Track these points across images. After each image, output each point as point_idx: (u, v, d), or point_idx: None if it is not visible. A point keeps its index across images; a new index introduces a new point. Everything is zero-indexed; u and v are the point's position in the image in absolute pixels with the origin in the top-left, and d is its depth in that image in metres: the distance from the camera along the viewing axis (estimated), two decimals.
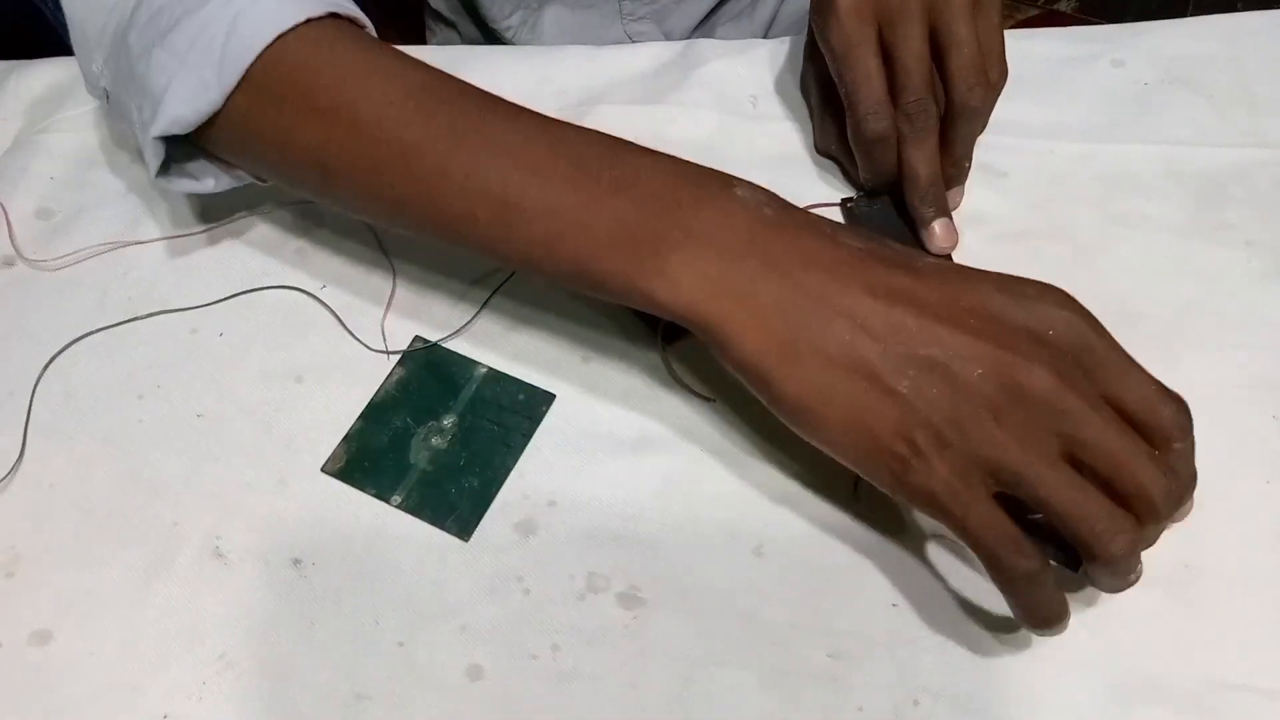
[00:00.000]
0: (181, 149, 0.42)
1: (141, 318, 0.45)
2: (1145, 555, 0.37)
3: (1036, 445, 0.32)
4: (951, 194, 0.46)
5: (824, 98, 0.48)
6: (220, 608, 0.38)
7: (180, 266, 0.47)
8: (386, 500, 0.40)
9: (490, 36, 0.68)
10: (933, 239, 0.44)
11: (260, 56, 0.39)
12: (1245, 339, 0.43)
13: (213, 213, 0.48)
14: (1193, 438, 0.33)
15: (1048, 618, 0.33)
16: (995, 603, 0.37)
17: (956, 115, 0.44)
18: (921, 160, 0.44)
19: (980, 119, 0.45)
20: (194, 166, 0.43)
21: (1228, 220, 0.45)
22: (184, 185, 0.43)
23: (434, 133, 0.37)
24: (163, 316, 0.45)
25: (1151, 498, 0.32)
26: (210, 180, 0.43)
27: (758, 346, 0.34)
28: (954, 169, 0.46)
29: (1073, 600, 0.36)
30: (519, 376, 0.43)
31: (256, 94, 0.39)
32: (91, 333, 0.45)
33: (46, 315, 0.46)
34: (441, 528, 0.39)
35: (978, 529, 0.32)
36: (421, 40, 0.72)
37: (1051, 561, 0.33)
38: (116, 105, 0.44)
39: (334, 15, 0.40)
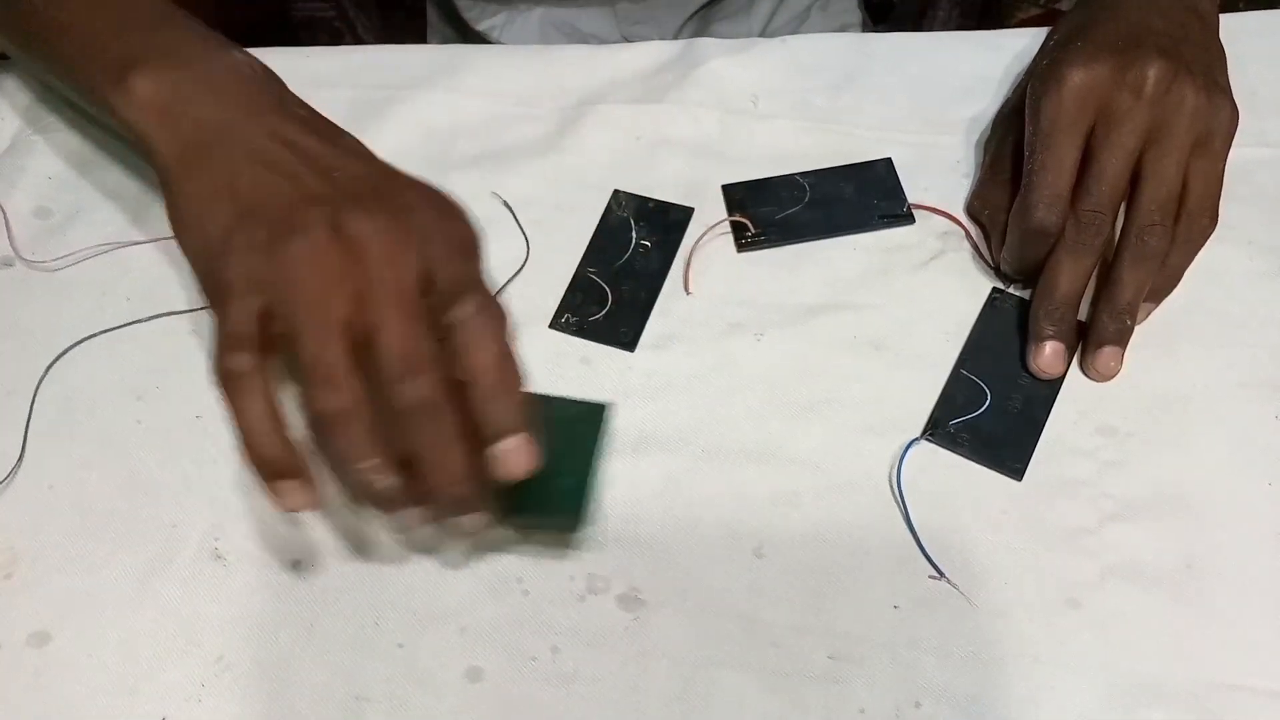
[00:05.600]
0: None
1: (143, 320, 0.45)
2: (1146, 557, 0.37)
3: (320, 293, 0.32)
4: (1104, 354, 0.41)
5: (1000, 164, 0.46)
6: (219, 609, 0.38)
7: (179, 266, 0.47)
8: None
9: (472, 38, 0.68)
10: (1036, 357, 0.41)
11: None
12: (1246, 339, 0.43)
13: None
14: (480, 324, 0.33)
15: (245, 417, 0.33)
16: (996, 603, 0.37)
17: (1125, 252, 0.40)
18: (1066, 273, 0.41)
19: (1149, 266, 0.40)
20: None
21: (1229, 219, 0.45)
22: None
23: None
24: (162, 317, 0.45)
25: (396, 367, 0.32)
26: None
27: (169, 160, 0.38)
28: (1113, 321, 0.41)
29: (1076, 604, 0.36)
30: None
31: None
32: (94, 335, 0.45)
33: (45, 316, 0.45)
34: None
35: (220, 320, 0.34)
36: (422, 38, 0.72)
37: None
38: None
39: None
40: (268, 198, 0.35)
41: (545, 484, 0.35)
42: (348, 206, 0.34)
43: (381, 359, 0.32)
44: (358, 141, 0.40)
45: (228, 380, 0.33)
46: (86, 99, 0.43)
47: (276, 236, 0.33)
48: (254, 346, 0.33)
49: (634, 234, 0.47)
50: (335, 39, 0.74)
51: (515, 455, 0.33)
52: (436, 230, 0.35)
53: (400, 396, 0.32)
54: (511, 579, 0.38)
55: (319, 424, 0.32)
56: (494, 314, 0.33)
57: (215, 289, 0.35)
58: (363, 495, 0.33)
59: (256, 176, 0.36)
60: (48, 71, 0.47)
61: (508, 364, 0.33)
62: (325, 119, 0.40)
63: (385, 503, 0.33)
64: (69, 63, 0.43)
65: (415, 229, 0.34)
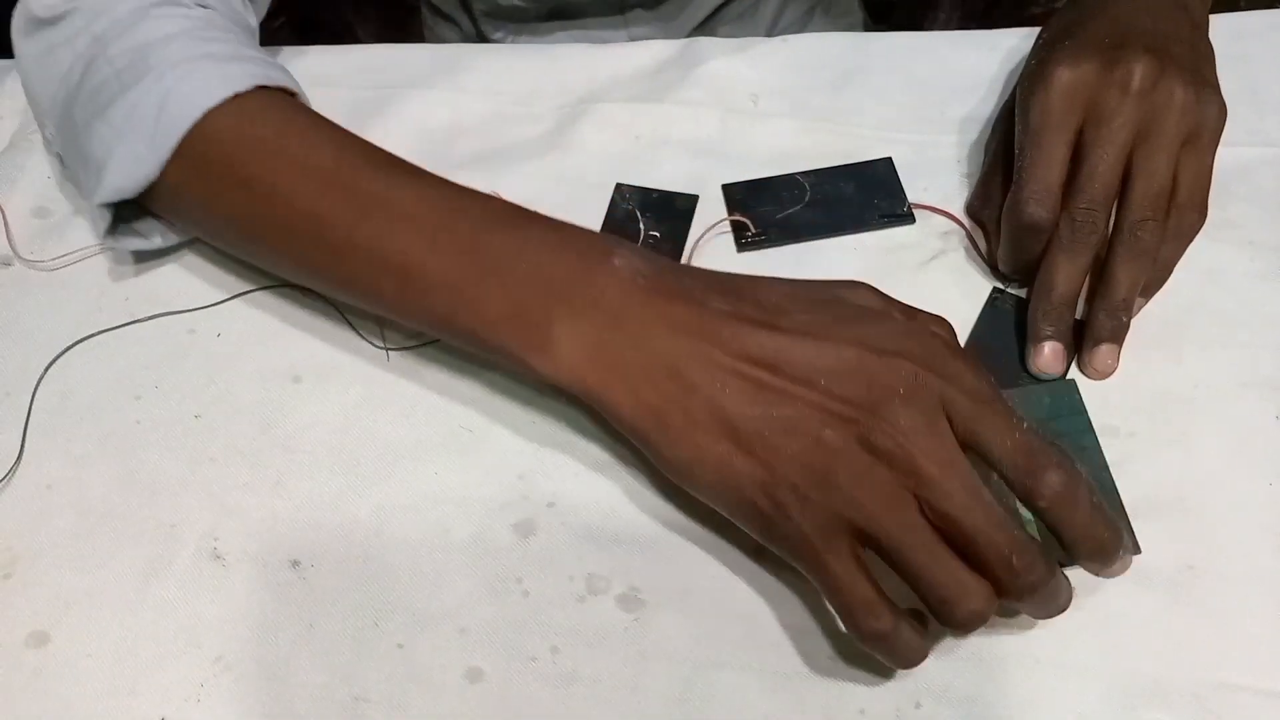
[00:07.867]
0: (129, 208, 0.44)
1: (142, 320, 0.45)
2: (1146, 557, 0.37)
3: (893, 506, 0.33)
4: (1101, 352, 0.41)
5: (997, 164, 0.46)
6: (218, 609, 0.38)
7: (177, 266, 0.47)
8: None
9: (486, 39, 0.68)
10: (1037, 359, 0.41)
11: (189, 132, 0.41)
12: (1247, 338, 0.43)
13: None
14: (1071, 494, 0.33)
15: (904, 662, 0.34)
16: None
17: (1118, 248, 0.40)
18: (1063, 273, 0.41)
19: (1143, 262, 0.40)
20: (142, 225, 0.45)
21: (1230, 219, 0.45)
22: (133, 244, 0.45)
23: (343, 205, 0.39)
24: (161, 317, 0.45)
25: (1005, 567, 0.32)
26: (157, 238, 0.46)
27: (634, 413, 0.36)
28: (1109, 318, 0.41)
29: (1076, 604, 0.36)
30: None
31: (187, 166, 0.41)
32: (93, 335, 0.45)
33: (44, 315, 0.45)
34: None
35: (833, 586, 0.33)
36: (420, 37, 0.72)
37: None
38: (69, 168, 0.47)
39: (263, 88, 0.42)
40: (769, 433, 0.34)
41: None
42: (863, 416, 0.33)
43: (985, 557, 0.32)
44: (772, 286, 0.37)
45: (878, 641, 0.33)
46: (480, 350, 0.39)
47: (819, 481, 0.33)
48: (881, 602, 0.33)
49: (641, 224, 0.47)
50: (334, 41, 0.73)
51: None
52: (948, 389, 0.34)
53: (1018, 588, 0.33)
54: (511, 579, 0.38)
55: (964, 625, 0.33)
56: (1073, 478, 0.33)
57: (795, 551, 0.34)
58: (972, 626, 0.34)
59: (740, 409, 0.34)
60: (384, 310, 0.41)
61: (1099, 519, 0.34)
62: (730, 282, 0.37)
63: (971, 625, 0.34)
64: (443, 317, 0.38)
65: (931, 404, 0.33)
